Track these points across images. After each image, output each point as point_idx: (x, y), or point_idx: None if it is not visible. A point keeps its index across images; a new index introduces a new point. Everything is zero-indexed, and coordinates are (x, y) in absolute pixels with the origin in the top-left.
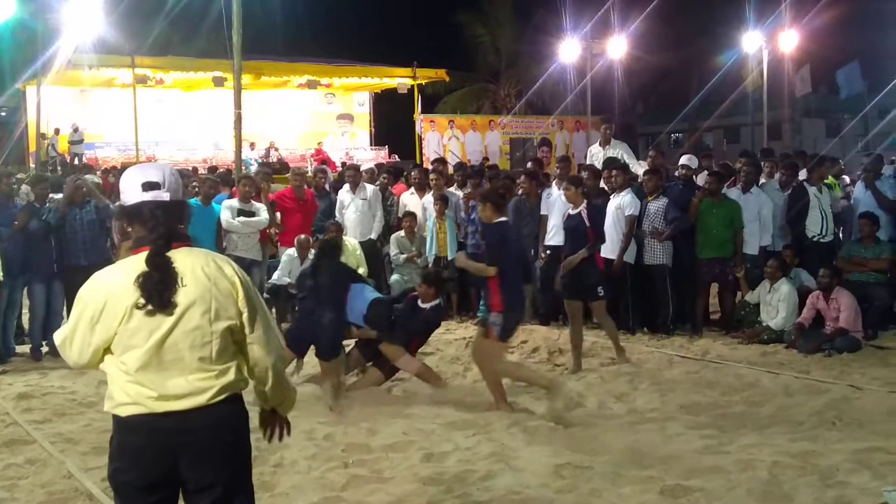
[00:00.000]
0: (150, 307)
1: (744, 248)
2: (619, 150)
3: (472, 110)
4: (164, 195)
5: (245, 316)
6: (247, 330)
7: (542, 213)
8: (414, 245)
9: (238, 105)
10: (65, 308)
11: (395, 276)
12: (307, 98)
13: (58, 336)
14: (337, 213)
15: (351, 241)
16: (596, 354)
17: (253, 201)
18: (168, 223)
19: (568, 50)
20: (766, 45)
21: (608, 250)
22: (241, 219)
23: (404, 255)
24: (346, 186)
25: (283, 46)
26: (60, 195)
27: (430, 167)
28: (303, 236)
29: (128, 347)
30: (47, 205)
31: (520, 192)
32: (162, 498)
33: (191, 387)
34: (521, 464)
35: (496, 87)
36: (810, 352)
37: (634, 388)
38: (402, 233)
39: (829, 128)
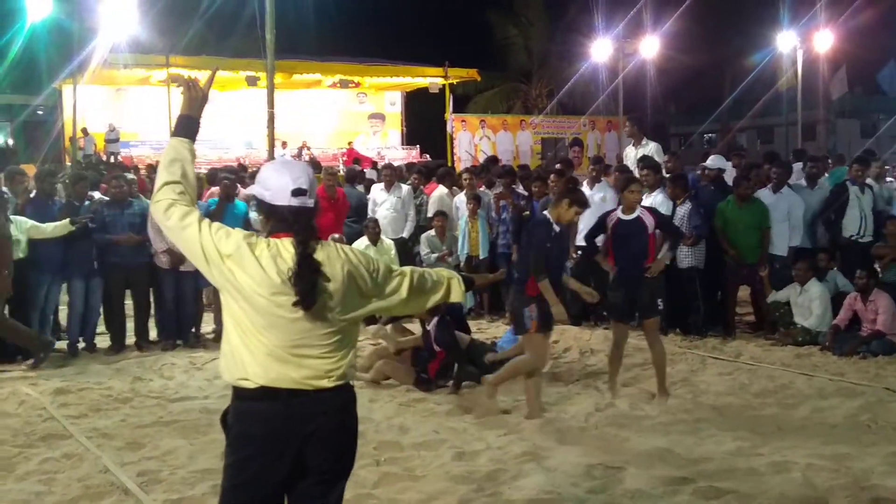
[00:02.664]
0: (302, 305)
1: (773, 248)
2: (651, 149)
3: (503, 110)
4: (309, 202)
5: (377, 289)
6: (386, 303)
7: None
8: (445, 244)
9: (271, 104)
10: (102, 305)
11: None
12: (339, 97)
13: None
14: (370, 211)
15: (386, 241)
16: (628, 355)
17: None
18: (310, 224)
19: (600, 49)
20: (801, 45)
21: None
22: None
23: (435, 255)
24: (381, 185)
25: (315, 46)
26: (98, 193)
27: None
28: (336, 235)
29: (269, 328)
30: (87, 203)
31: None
32: (285, 486)
33: (317, 370)
34: (553, 463)
35: (527, 87)
36: (845, 354)
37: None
38: (432, 232)
39: (865, 128)
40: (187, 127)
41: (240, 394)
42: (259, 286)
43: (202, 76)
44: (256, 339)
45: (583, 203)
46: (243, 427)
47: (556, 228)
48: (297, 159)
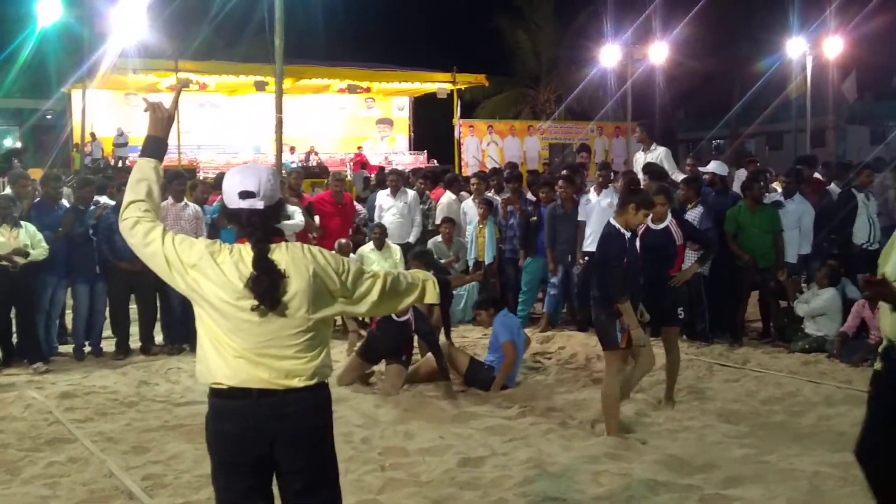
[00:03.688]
0: (262, 307)
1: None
2: (659, 155)
3: (511, 115)
4: (258, 204)
5: (346, 291)
6: (356, 307)
7: (579, 218)
8: (452, 250)
9: (279, 109)
10: (107, 308)
11: None
12: (347, 102)
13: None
14: (376, 217)
15: (393, 245)
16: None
17: (287, 204)
18: (264, 226)
19: (608, 55)
20: (810, 51)
21: None
22: None
23: (442, 261)
24: (387, 190)
25: (324, 51)
26: (105, 198)
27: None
28: (343, 240)
29: (236, 332)
30: (92, 208)
31: (558, 198)
32: (261, 478)
33: (287, 370)
34: (558, 470)
35: (535, 92)
36: (853, 362)
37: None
38: (439, 238)
39: (874, 135)
40: (154, 147)
41: (214, 392)
42: (224, 292)
43: (210, 81)
44: (226, 344)
45: (649, 203)
46: (218, 425)
47: (627, 235)
48: (304, 164)
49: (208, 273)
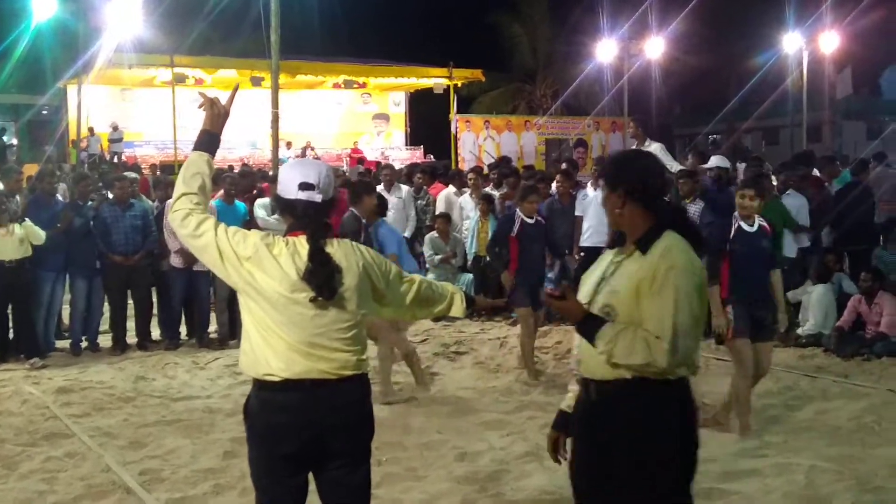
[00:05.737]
0: (320, 299)
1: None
2: (654, 150)
3: (507, 110)
4: (316, 196)
5: (388, 288)
6: (387, 309)
7: (576, 213)
8: (448, 246)
9: (275, 104)
10: (105, 304)
11: (430, 276)
12: (343, 98)
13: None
14: None
15: None
16: None
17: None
18: (319, 220)
19: (605, 50)
20: (806, 46)
21: None
22: (276, 216)
23: (439, 256)
24: (380, 185)
25: (319, 46)
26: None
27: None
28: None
29: (289, 324)
30: (90, 203)
31: (553, 192)
32: (305, 470)
33: (340, 362)
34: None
35: (532, 88)
36: (849, 356)
37: None
38: (435, 233)
39: (870, 130)
40: (208, 142)
41: (264, 385)
42: (279, 285)
43: (206, 76)
44: (277, 336)
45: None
46: (271, 417)
47: (745, 227)
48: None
49: (265, 265)
